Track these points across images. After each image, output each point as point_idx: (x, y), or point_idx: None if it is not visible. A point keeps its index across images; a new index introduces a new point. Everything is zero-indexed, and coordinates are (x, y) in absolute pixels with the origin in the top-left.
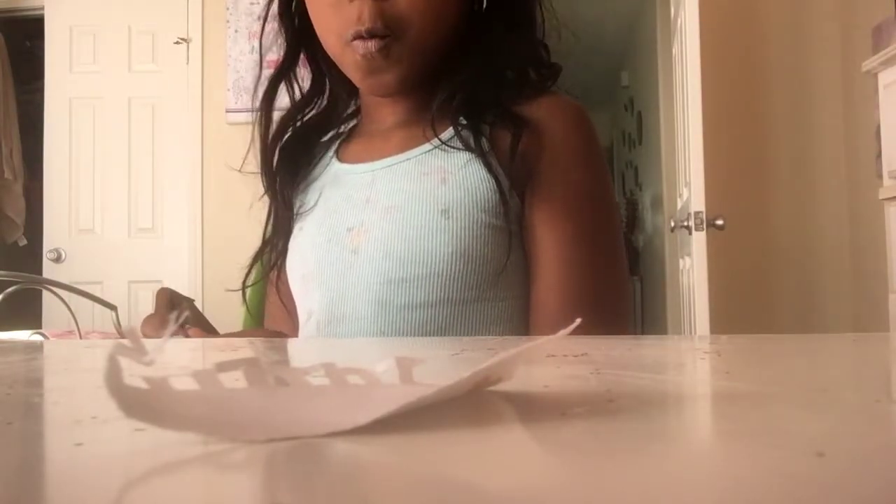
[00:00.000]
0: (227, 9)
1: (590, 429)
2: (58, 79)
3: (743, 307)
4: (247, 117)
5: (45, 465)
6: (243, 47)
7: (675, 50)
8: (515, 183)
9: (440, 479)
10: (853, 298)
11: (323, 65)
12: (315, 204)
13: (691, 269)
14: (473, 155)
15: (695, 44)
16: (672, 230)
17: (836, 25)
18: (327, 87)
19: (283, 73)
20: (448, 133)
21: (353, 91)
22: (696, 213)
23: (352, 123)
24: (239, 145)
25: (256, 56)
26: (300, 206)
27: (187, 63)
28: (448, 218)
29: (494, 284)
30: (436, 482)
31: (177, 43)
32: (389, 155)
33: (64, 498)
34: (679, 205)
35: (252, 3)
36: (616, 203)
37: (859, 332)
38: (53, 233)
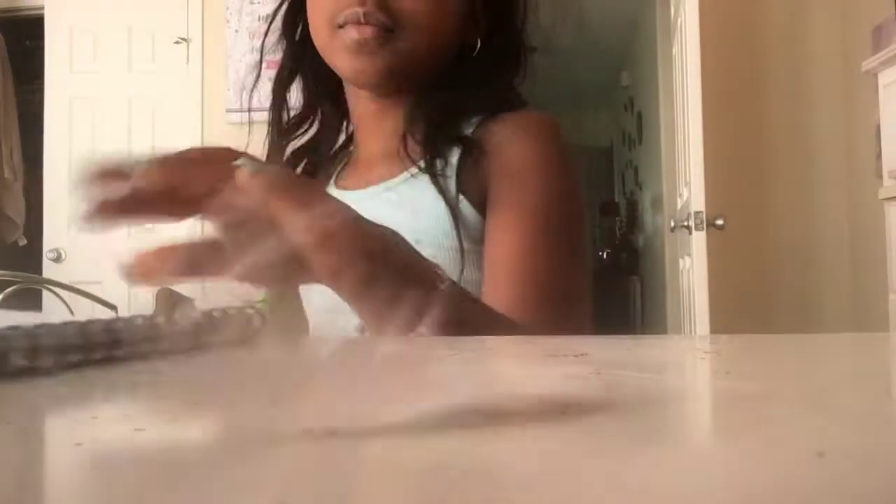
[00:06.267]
0: (227, 9)
1: (590, 429)
2: (58, 78)
3: (743, 307)
4: (245, 117)
5: (45, 465)
6: (243, 47)
7: (675, 50)
8: (474, 201)
9: (440, 479)
10: (853, 298)
11: (316, 87)
12: None
13: (691, 269)
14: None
15: (695, 44)
16: (672, 230)
17: (836, 25)
18: (318, 112)
19: (284, 83)
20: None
21: (344, 114)
22: (696, 213)
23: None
24: (239, 145)
25: (257, 55)
26: None
27: (187, 63)
28: (422, 248)
29: None
30: (436, 482)
31: (177, 43)
32: (373, 184)
33: (64, 498)
34: (679, 205)
35: (252, 3)
36: (579, 209)
37: (859, 332)
38: (53, 233)
